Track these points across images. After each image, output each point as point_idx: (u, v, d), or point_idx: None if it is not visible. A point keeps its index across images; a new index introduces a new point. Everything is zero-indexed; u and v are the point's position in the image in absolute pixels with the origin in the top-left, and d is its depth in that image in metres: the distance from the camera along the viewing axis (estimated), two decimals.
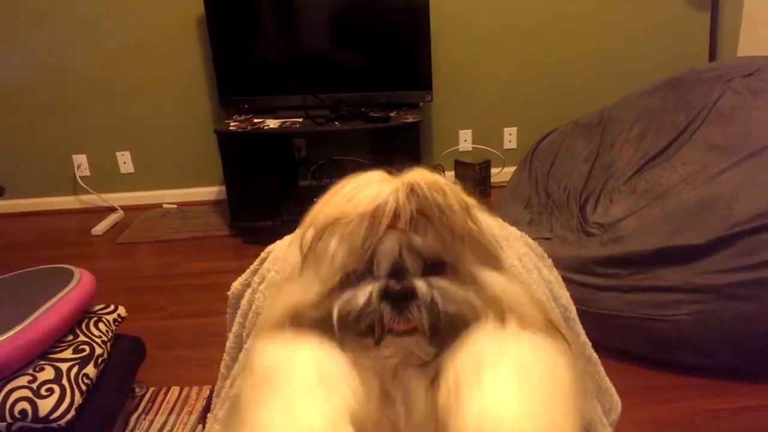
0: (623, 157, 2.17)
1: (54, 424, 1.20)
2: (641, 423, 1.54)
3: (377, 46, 3.05)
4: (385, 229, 0.56)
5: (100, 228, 3.08)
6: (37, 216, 3.38)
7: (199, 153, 3.33)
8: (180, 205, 3.40)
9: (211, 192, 3.45)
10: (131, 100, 3.28)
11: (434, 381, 0.57)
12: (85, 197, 3.42)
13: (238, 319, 0.97)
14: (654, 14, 3.24)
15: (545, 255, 0.99)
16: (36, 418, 1.19)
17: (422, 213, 0.56)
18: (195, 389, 1.75)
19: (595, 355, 1.02)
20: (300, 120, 2.87)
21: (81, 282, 1.45)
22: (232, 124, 2.86)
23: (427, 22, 2.92)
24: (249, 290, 0.97)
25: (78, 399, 1.26)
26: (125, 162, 3.39)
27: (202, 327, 2.09)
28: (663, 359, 1.74)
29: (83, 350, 1.35)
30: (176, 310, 2.26)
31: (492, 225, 0.70)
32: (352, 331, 0.57)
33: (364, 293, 0.56)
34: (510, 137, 3.44)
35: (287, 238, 0.96)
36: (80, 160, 3.37)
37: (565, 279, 1.03)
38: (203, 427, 1.46)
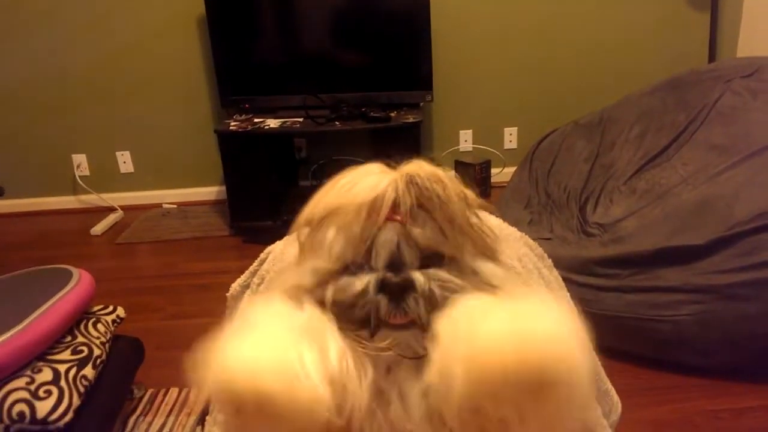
0: (623, 157, 2.17)
1: (52, 426, 1.20)
2: (642, 423, 1.54)
3: (378, 46, 3.04)
4: (384, 221, 0.56)
5: (99, 228, 3.08)
6: (37, 216, 3.38)
7: (199, 153, 3.33)
8: (180, 205, 3.40)
9: (211, 192, 3.45)
10: (131, 100, 3.28)
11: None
12: (84, 197, 3.42)
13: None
14: (654, 15, 3.23)
15: (545, 255, 0.99)
16: (34, 420, 1.19)
17: (421, 205, 0.56)
18: (194, 391, 1.74)
19: (595, 356, 1.01)
20: (300, 120, 2.87)
21: (80, 282, 1.44)
22: (232, 123, 2.86)
23: (427, 22, 2.92)
24: (248, 291, 0.97)
25: (76, 400, 1.25)
26: (125, 162, 3.39)
27: (203, 327, 2.08)
28: (663, 360, 1.73)
29: (82, 351, 1.35)
30: (176, 310, 2.26)
31: (492, 222, 0.70)
32: (346, 321, 0.56)
33: (361, 281, 0.56)
34: (510, 137, 3.44)
35: (287, 239, 0.96)
36: (80, 159, 3.37)
37: (565, 279, 1.03)
38: (202, 429, 1.45)
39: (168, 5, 3.13)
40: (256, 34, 3.05)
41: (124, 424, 1.61)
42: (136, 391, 1.69)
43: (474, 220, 0.58)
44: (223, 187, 3.07)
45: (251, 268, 1.01)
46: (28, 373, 1.24)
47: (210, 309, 2.14)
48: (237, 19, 2.96)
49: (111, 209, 3.33)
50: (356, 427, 0.54)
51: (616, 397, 1.04)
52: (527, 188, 2.39)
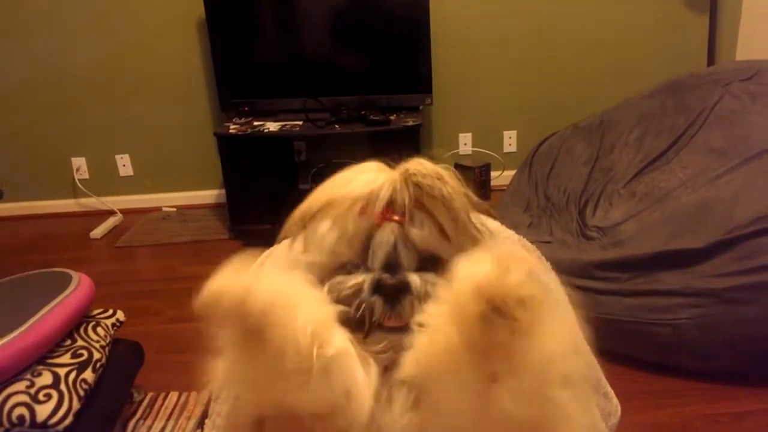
0: (623, 160, 2.17)
1: (52, 430, 1.20)
2: (641, 427, 1.54)
3: (377, 49, 3.05)
4: (382, 221, 0.55)
5: (98, 231, 3.08)
6: (36, 219, 3.38)
7: (198, 156, 3.33)
8: (179, 208, 3.40)
9: (210, 195, 3.45)
10: (131, 103, 3.28)
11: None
12: (84, 200, 3.42)
13: None
14: (652, 18, 3.24)
15: (543, 258, 0.99)
16: (34, 423, 1.18)
17: (421, 205, 0.55)
18: (194, 394, 1.74)
19: (594, 360, 1.01)
20: (300, 123, 2.87)
21: (79, 286, 1.44)
22: (232, 127, 2.86)
23: (427, 26, 2.93)
24: None
25: (76, 404, 1.25)
26: (124, 165, 3.39)
27: (202, 331, 2.09)
28: (663, 363, 1.73)
29: (81, 355, 1.35)
30: (175, 314, 2.26)
31: (491, 225, 0.70)
32: (340, 321, 0.55)
33: (356, 280, 0.55)
34: (510, 140, 3.44)
35: (286, 241, 0.96)
36: (79, 162, 3.37)
37: (564, 283, 1.03)
38: None
39: (168, 6, 3.13)
40: (256, 37, 3.06)
41: (124, 427, 1.61)
42: (135, 395, 1.69)
43: (474, 218, 0.58)
44: (223, 191, 3.07)
45: None
46: (28, 376, 1.24)
47: None
48: (237, 22, 2.96)
49: (110, 212, 3.33)
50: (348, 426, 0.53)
51: (615, 400, 1.04)
52: (527, 191, 2.39)
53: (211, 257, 2.75)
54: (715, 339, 1.63)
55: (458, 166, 3.36)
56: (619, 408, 1.04)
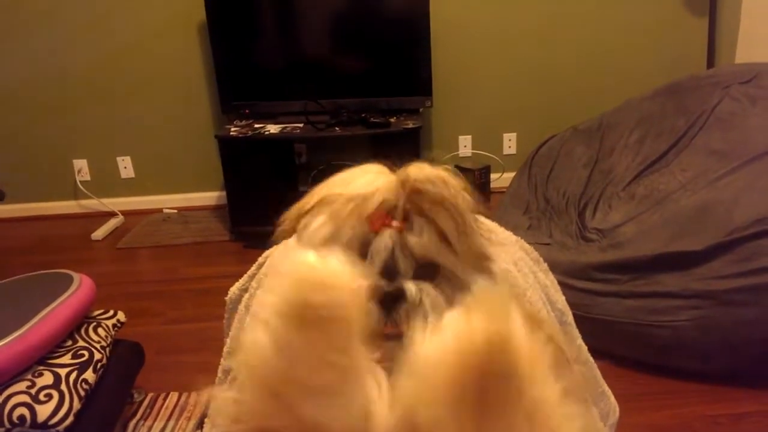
0: (622, 162, 2.17)
1: (52, 430, 1.20)
2: (641, 428, 1.54)
3: (377, 51, 3.06)
4: (380, 227, 0.55)
5: (100, 233, 3.09)
6: (37, 221, 3.39)
7: (199, 158, 3.34)
8: (180, 210, 3.40)
9: (211, 197, 3.45)
10: (132, 105, 3.29)
11: None
12: (85, 202, 3.43)
13: (235, 323, 0.97)
14: (652, 20, 3.25)
15: (541, 259, 1.00)
16: (35, 423, 1.19)
17: (420, 211, 0.55)
18: (194, 395, 1.75)
19: (591, 359, 1.02)
20: (300, 125, 2.88)
21: (81, 287, 1.45)
22: (232, 129, 2.87)
23: (427, 28, 2.93)
24: (246, 295, 0.97)
25: (77, 404, 1.26)
26: (126, 167, 3.40)
27: (203, 332, 2.09)
28: (662, 365, 1.73)
29: (82, 355, 1.35)
30: (176, 315, 2.26)
31: (489, 228, 0.69)
32: None
33: None
34: (509, 143, 3.44)
35: (285, 242, 0.96)
36: (81, 164, 3.37)
37: (564, 284, 1.03)
38: None
39: (168, 7, 3.14)
40: (257, 39, 3.07)
41: (125, 428, 1.61)
42: (136, 396, 1.70)
43: (474, 222, 0.57)
44: (224, 193, 3.08)
45: (249, 272, 1.01)
46: (29, 377, 1.24)
47: (210, 314, 2.17)
48: (238, 24, 2.97)
49: (112, 214, 3.33)
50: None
51: (613, 399, 1.04)
52: (526, 194, 2.40)
53: (211, 259, 2.76)
54: (714, 341, 1.63)
55: (458, 168, 3.37)
56: (617, 407, 1.04)
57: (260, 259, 1.01)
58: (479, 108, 3.37)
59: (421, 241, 0.55)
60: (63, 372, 1.28)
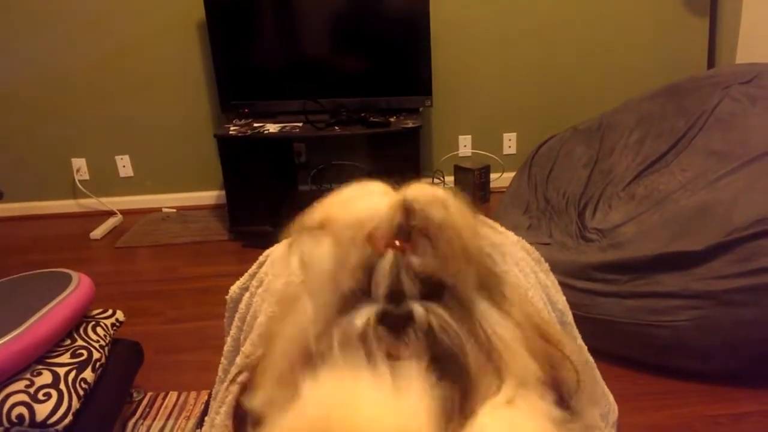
0: (622, 162, 2.17)
1: (51, 429, 1.20)
2: (640, 428, 1.54)
3: (377, 51, 3.06)
4: (384, 249, 0.55)
5: (98, 232, 3.08)
6: (36, 220, 3.38)
7: (198, 157, 3.34)
8: (179, 209, 3.40)
9: (210, 196, 3.45)
10: (131, 104, 3.28)
11: None
12: (84, 201, 3.42)
13: (236, 322, 0.97)
14: (652, 21, 3.25)
15: (542, 259, 0.99)
16: (33, 422, 1.19)
17: (422, 232, 0.54)
18: (193, 394, 1.74)
19: (591, 358, 1.02)
20: (300, 125, 2.88)
21: (79, 286, 1.45)
22: (232, 128, 2.86)
23: (427, 28, 2.93)
24: (247, 294, 0.97)
25: (75, 404, 1.25)
26: (124, 166, 3.40)
27: (202, 331, 2.09)
28: (662, 365, 1.73)
29: (81, 355, 1.35)
30: (175, 314, 2.26)
31: (489, 234, 0.69)
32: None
33: (361, 318, 0.54)
34: (509, 143, 3.44)
35: (285, 242, 0.96)
36: (79, 163, 3.37)
37: (564, 284, 1.03)
38: None
39: (168, 7, 3.14)
40: (256, 38, 3.07)
41: (124, 427, 1.61)
42: (135, 395, 1.70)
43: (479, 243, 0.57)
44: (223, 192, 3.08)
45: (250, 271, 1.01)
46: (28, 376, 1.24)
47: (209, 313, 2.17)
48: (237, 23, 2.97)
49: (110, 213, 3.33)
50: None
51: (611, 398, 1.04)
52: (526, 194, 2.40)
53: (210, 258, 2.76)
54: (714, 341, 1.64)
55: (458, 169, 3.37)
56: (616, 406, 1.04)
57: (261, 258, 1.01)
58: (479, 108, 3.37)
59: (424, 261, 0.54)
60: (62, 371, 1.28)
